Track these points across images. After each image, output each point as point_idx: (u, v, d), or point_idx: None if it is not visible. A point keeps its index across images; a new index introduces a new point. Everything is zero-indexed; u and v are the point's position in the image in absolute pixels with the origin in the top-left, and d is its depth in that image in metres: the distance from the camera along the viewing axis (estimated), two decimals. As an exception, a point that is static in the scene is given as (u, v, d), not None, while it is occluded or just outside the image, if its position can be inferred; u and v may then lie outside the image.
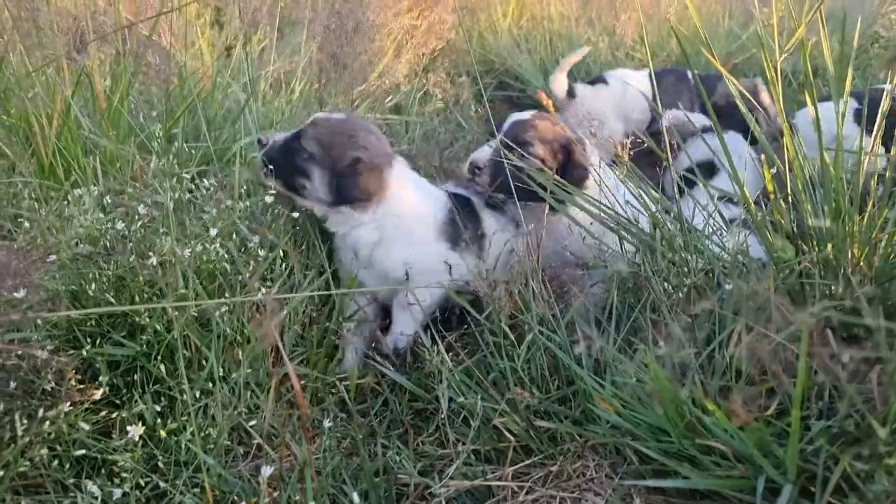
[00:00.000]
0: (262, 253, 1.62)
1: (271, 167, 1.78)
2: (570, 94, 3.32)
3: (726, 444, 1.11)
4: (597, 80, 3.47)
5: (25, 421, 1.21)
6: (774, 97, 1.51)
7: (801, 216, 1.50)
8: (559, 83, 3.27)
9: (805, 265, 1.48)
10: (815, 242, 1.49)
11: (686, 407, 1.19)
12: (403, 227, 1.81)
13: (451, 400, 1.47)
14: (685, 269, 1.53)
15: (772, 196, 1.49)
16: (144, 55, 2.46)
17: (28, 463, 1.24)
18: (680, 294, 1.50)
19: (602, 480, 1.33)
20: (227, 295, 1.61)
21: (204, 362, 1.50)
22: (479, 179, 1.96)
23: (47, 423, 1.23)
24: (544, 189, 1.68)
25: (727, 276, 1.50)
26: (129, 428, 1.30)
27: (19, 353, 1.36)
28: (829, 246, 1.48)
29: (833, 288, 1.47)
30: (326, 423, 1.48)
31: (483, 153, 1.98)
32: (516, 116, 2.08)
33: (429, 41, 3.91)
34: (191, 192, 1.73)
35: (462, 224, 1.81)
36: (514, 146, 1.90)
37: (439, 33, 4.07)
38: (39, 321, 1.37)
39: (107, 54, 2.68)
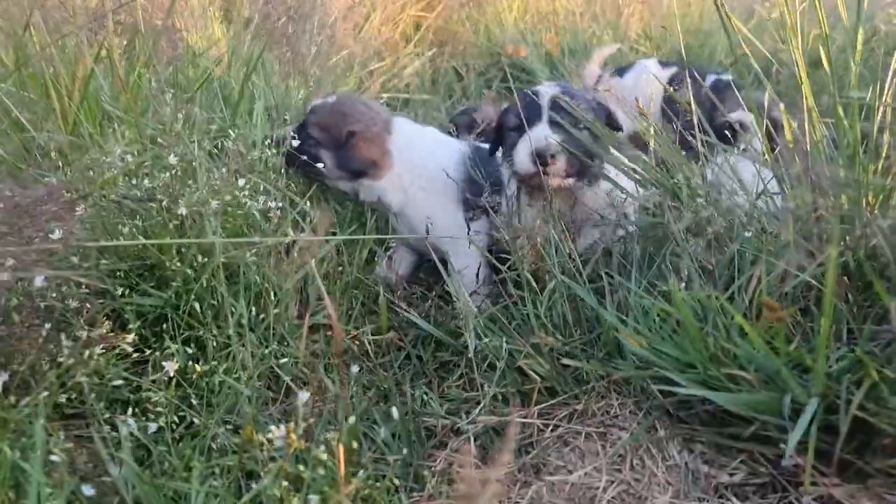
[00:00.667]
0: (279, 204, 1.65)
1: (292, 162, 1.90)
2: (596, 84, 3.28)
3: (754, 365, 1.14)
4: (622, 70, 3.38)
5: (69, 343, 1.23)
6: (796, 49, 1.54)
7: (818, 165, 1.54)
8: (590, 74, 3.27)
9: (821, 213, 1.51)
10: (830, 192, 1.53)
11: (711, 337, 1.22)
12: (421, 183, 1.86)
13: (475, 344, 1.50)
14: (707, 218, 1.56)
15: (790, 145, 1.53)
16: (159, 39, 2.50)
17: (65, 394, 1.27)
18: (701, 242, 1.53)
19: (626, 416, 1.36)
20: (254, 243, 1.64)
21: (232, 310, 1.52)
22: (554, 169, 1.66)
23: (87, 352, 1.25)
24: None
25: (746, 225, 1.53)
26: (164, 363, 1.33)
27: (53, 294, 1.39)
28: (843, 196, 1.52)
29: (848, 237, 1.51)
30: (354, 369, 1.50)
31: (546, 138, 1.66)
32: (546, 89, 1.77)
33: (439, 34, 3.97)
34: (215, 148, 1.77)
35: (484, 182, 1.83)
36: (570, 120, 1.69)
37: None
38: (76, 259, 1.40)
39: (122, 40, 2.73)
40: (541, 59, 4.28)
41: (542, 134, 1.67)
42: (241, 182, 1.53)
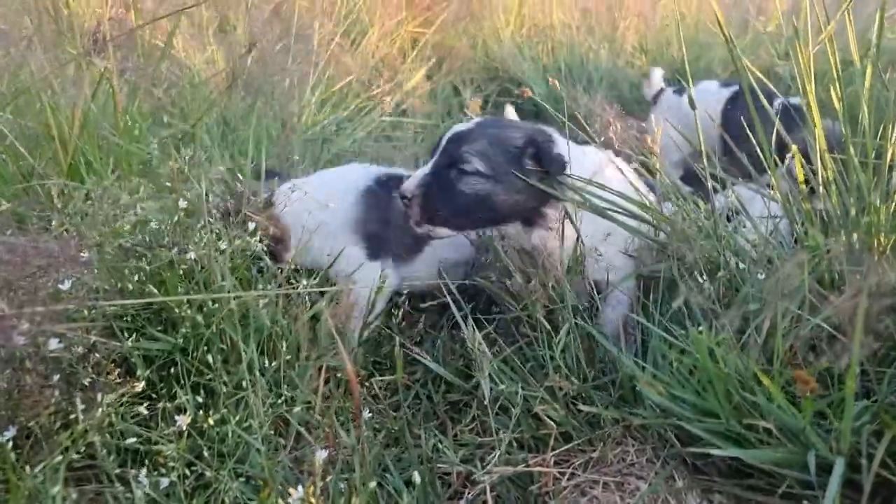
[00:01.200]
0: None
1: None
2: (655, 98, 3.10)
3: (777, 421, 1.14)
4: (682, 90, 3.08)
5: (83, 406, 1.21)
6: (810, 94, 1.54)
7: (830, 206, 1.54)
8: (651, 84, 3.13)
9: (833, 253, 1.51)
10: (843, 231, 1.53)
11: (733, 386, 1.22)
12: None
13: (490, 389, 1.49)
14: (717, 261, 1.56)
15: (802, 186, 1.53)
16: (158, 64, 2.48)
17: (78, 453, 1.25)
18: (713, 286, 1.53)
19: (643, 465, 1.35)
20: (261, 288, 1.62)
21: (243, 354, 1.50)
22: (410, 212, 1.58)
23: (100, 410, 1.23)
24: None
25: (757, 266, 1.53)
26: (177, 417, 1.31)
27: (62, 345, 1.37)
28: (855, 235, 1.52)
29: (860, 276, 1.51)
30: (366, 413, 1.49)
31: (411, 180, 1.59)
32: (454, 129, 1.65)
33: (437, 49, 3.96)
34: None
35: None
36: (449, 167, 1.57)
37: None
38: (86, 311, 1.38)
39: (118, 62, 2.71)
40: (537, 73, 4.28)
41: (415, 175, 1.60)
42: (251, 226, 1.52)
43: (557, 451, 1.40)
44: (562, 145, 1.61)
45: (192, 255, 1.48)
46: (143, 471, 1.27)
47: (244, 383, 1.42)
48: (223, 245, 1.53)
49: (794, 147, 1.59)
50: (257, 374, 1.47)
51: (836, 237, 1.55)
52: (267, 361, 1.52)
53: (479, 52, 4.49)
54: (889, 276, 1.36)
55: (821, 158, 1.53)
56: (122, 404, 1.42)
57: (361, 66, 3.65)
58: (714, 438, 1.24)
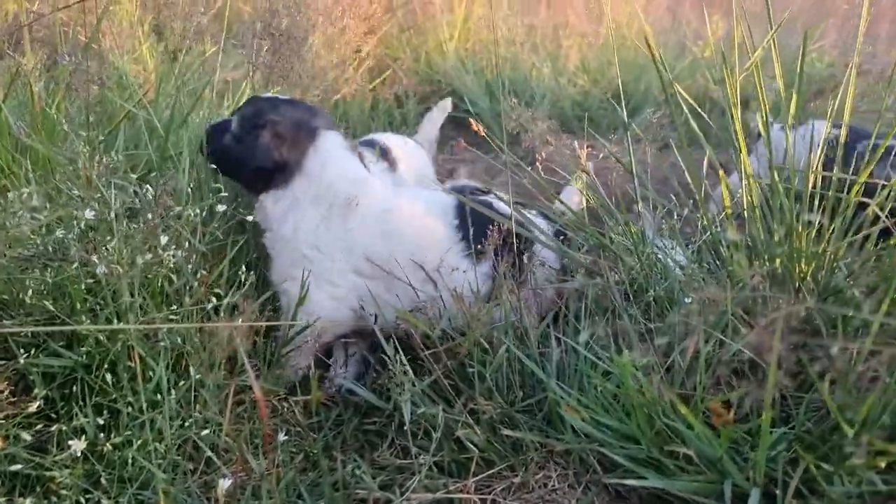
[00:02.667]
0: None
1: None
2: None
3: (696, 450, 1.12)
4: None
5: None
6: (735, 119, 1.55)
7: (754, 233, 1.56)
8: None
9: (757, 279, 1.53)
10: (766, 258, 1.55)
11: (655, 412, 1.20)
12: None
13: (411, 413, 1.44)
14: (645, 283, 1.56)
15: (727, 213, 1.54)
16: (83, 60, 2.35)
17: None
18: (640, 306, 1.52)
19: (565, 490, 1.32)
20: (173, 305, 1.53)
21: (151, 373, 1.41)
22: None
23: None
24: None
25: (684, 290, 1.53)
26: (70, 442, 1.21)
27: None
28: (778, 261, 1.54)
29: (782, 300, 1.53)
30: (281, 437, 1.42)
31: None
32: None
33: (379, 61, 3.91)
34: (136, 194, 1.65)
35: None
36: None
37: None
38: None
39: (41, 58, 2.56)
40: (481, 88, 4.28)
41: None
42: (164, 239, 1.43)
43: (479, 477, 1.36)
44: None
45: (101, 268, 1.37)
46: (28, 500, 1.17)
47: (145, 405, 1.32)
48: (137, 259, 1.43)
49: (721, 173, 1.60)
50: (165, 394, 1.38)
51: (760, 262, 1.57)
52: (177, 381, 1.43)
53: (423, 64, 4.46)
54: (808, 303, 1.38)
55: (746, 184, 1.55)
56: (14, 425, 1.31)
57: (300, 74, 3.56)
58: (635, 465, 1.22)
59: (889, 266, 1.34)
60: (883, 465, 1.00)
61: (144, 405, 1.35)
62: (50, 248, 1.44)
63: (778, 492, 1.08)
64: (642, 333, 1.47)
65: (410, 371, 1.42)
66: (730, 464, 1.10)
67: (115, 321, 1.41)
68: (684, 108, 1.79)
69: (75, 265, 1.40)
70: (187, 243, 1.50)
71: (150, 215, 1.44)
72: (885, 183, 1.46)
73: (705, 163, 1.88)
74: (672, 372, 1.41)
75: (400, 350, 1.44)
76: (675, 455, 1.20)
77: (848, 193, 1.49)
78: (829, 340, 1.28)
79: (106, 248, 1.38)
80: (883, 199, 1.48)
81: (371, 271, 1.67)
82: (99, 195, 1.44)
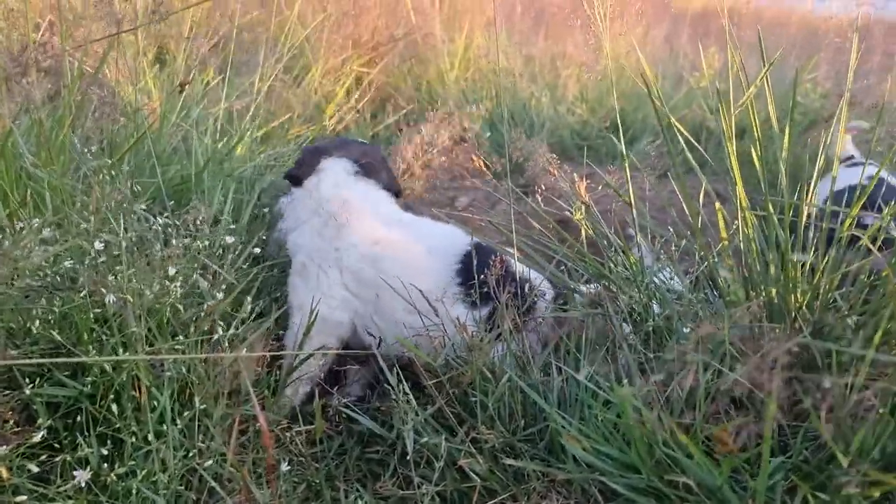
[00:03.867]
0: (219, 295, 1.56)
1: None
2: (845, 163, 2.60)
3: (695, 478, 1.14)
4: (857, 163, 2.63)
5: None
6: (730, 151, 1.59)
7: (749, 263, 1.58)
8: (844, 147, 2.72)
9: (754, 310, 1.55)
10: (762, 288, 1.57)
11: (655, 442, 1.22)
12: None
13: (414, 442, 1.45)
14: (644, 313, 1.58)
15: (724, 244, 1.57)
16: (89, 91, 2.40)
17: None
18: (640, 336, 1.54)
19: (567, 520, 1.33)
20: (179, 336, 1.55)
21: (155, 403, 1.43)
22: None
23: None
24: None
25: (683, 320, 1.55)
26: (74, 472, 1.22)
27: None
28: (774, 291, 1.56)
29: (779, 331, 1.55)
30: (284, 467, 1.43)
31: None
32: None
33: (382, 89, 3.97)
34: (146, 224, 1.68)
35: None
36: None
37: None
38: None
39: (46, 89, 2.61)
40: (480, 117, 4.34)
41: None
42: (172, 270, 1.45)
43: (481, 507, 1.37)
44: None
45: (110, 297, 1.39)
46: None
47: (151, 435, 1.33)
48: (147, 292, 1.46)
49: (717, 205, 1.63)
50: (169, 424, 1.40)
51: (756, 293, 1.59)
52: (181, 410, 1.45)
53: (424, 93, 4.52)
54: (803, 337, 1.40)
55: (741, 215, 1.58)
56: (18, 455, 1.32)
57: (303, 103, 3.62)
58: (636, 495, 1.23)
59: (877, 301, 1.37)
60: (877, 494, 1.01)
61: (149, 435, 1.36)
62: (58, 278, 1.46)
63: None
64: (642, 363, 1.49)
65: (413, 400, 1.43)
66: (730, 493, 1.11)
67: (122, 351, 1.42)
68: (679, 138, 1.83)
69: (83, 294, 1.41)
70: (195, 275, 1.52)
71: (157, 246, 1.47)
72: (876, 216, 1.49)
73: (702, 192, 1.91)
74: (671, 402, 1.42)
75: (402, 379, 1.46)
76: (674, 484, 1.21)
77: (841, 226, 1.52)
78: (822, 374, 1.31)
79: (115, 278, 1.40)
80: (875, 230, 1.51)
81: (359, 291, 1.74)
82: (109, 225, 1.47)
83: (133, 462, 1.35)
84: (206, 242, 1.63)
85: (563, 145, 4.32)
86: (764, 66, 1.78)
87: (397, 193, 2.02)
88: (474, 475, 1.39)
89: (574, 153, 4.27)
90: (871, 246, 1.42)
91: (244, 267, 1.82)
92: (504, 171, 3.77)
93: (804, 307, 1.53)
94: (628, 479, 1.26)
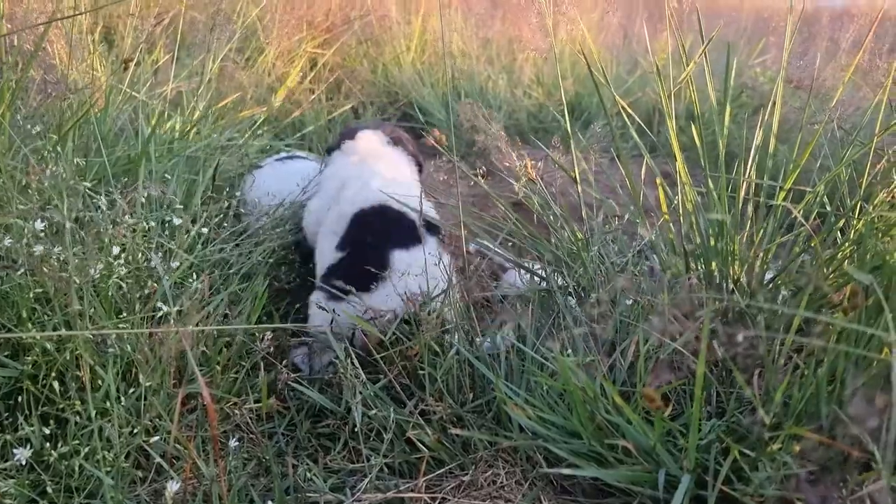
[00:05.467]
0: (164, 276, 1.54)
1: None
2: None
3: (632, 441, 1.18)
4: None
5: None
6: (671, 129, 1.63)
7: (690, 236, 1.63)
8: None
9: (693, 281, 1.60)
10: (701, 260, 1.63)
11: (596, 408, 1.26)
12: None
13: (363, 415, 1.46)
14: (589, 285, 1.61)
15: (665, 217, 1.61)
16: (28, 67, 2.32)
17: None
18: (584, 308, 1.58)
19: (512, 487, 1.36)
20: (124, 313, 1.53)
21: (100, 382, 1.41)
22: None
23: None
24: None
25: (626, 291, 1.60)
26: (15, 451, 1.20)
27: None
28: (713, 263, 1.61)
29: (717, 301, 1.60)
30: (232, 443, 1.43)
31: None
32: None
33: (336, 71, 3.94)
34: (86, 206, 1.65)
35: None
36: None
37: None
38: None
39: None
40: (437, 99, 4.34)
41: None
42: (116, 250, 1.43)
43: (429, 476, 1.40)
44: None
45: (47, 280, 1.36)
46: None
47: (94, 413, 1.32)
48: (90, 272, 1.43)
49: (658, 180, 1.68)
50: (114, 402, 1.38)
51: (696, 265, 1.64)
52: (126, 389, 1.43)
53: (380, 76, 4.50)
54: (738, 302, 1.45)
55: (682, 190, 1.62)
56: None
57: (256, 85, 3.57)
58: (577, 459, 1.27)
59: (810, 269, 1.43)
60: (797, 448, 1.07)
61: (93, 413, 1.34)
62: (-3, 258, 1.43)
63: (709, 479, 1.14)
64: (585, 333, 1.52)
65: (362, 373, 1.44)
66: (664, 453, 1.16)
67: (64, 331, 1.40)
68: (626, 120, 1.87)
69: (20, 272, 1.39)
70: (139, 253, 1.50)
71: (102, 226, 1.44)
72: (809, 189, 1.55)
73: (643, 170, 1.96)
74: (614, 370, 1.47)
75: (352, 352, 1.47)
76: (614, 448, 1.25)
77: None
78: (741, 327, 1.36)
79: (57, 258, 1.37)
80: (809, 203, 1.57)
81: None
82: (51, 204, 1.44)
83: (77, 441, 1.34)
84: (153, 223, 1.61)
85: (519, 128, 4.36)
86: (707, 49, 1.83)
87: (420, 165, 2.29)
88: (423, 446, 1.42)
89: (530, 136, 4.31)
90: (802, 220, 1.47)
91: (200, 248, 1.80)
92: (461, 153, 3.80)
93: (741, 278, 1.58)
94: (571, 445, 1.30)
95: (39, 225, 1.44)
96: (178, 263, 1.64)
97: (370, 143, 2.21)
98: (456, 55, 4.69)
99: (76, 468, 1.30)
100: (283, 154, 2.80)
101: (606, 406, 1.29)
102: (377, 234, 1.76)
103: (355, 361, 1.48)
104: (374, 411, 1.44)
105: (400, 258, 1.71)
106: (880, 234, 1.45)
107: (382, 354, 1.54)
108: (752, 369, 1.25)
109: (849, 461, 1.09)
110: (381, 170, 2.03)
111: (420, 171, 2.28)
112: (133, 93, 2.60)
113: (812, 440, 1.00)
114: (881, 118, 1.73)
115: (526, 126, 4.39)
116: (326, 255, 1.82)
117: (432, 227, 1.81)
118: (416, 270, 1.66)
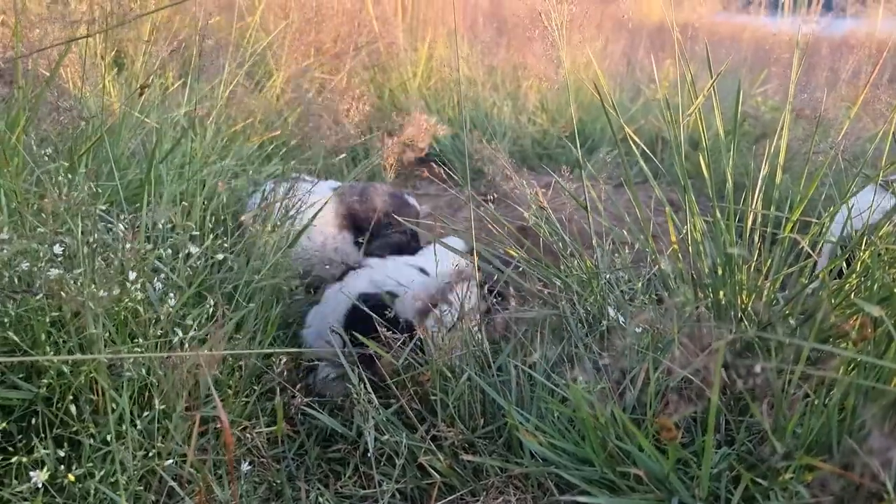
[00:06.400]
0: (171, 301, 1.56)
1: None
2: None
3: (644, 468, 1.19)
4: None
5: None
6: (678, 159, 1.66)
7: (698, 266, 1.65)
8: None
9: (701, 310, 1.62)
10: (709, 289, 1.64)
11: (608, 435, 1.26)
12: None
13: (375, 440, 1.47)
14: (599, 313, 1.63)
15: (674, 248, 1.63)
16: (44, 93, 2.36)
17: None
18: (595, 336, 1.60)
19: (524, 514, 1.37)
20: (139, 338, 1.55)
21: (114, 406, 1.42)
22: None
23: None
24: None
25: (636, 320, 1.61)
26: (31, 473, 1.21)
27: None
28: (721, 293, 1.63)
29: (725, 331, 1.62)
30: (245, 467, 1.44)
31: None
32: None
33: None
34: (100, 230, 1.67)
35: None
36: None
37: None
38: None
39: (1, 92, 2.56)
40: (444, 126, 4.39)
41: None
42: (133, 275, 1.45)
43: (441, 502, 1.40)
44: None
45: (66, 305, 1.38)
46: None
47: (110, 436, 1.33)
48: (101, 293, 1.45)
49: (667, 209, 1.70)
50: (128, 425, 1.39)
51: (704, 294, 1.66)
52: (140, 412, 1.44)
53: (387, 101, 4.56)
54: (748, 332, 1.47)
55: (690, 220, 1.65)
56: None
57: (265, 109, 3.62)
58: (589, 486, 1.28)
59: (815, 300, 1.45)
60: (810, 478, 1.08)
61: (109, 436, 1.35)
62: (16, 281, 1.45)
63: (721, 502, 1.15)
64: (596, 361, 1.54)
65: (374, 398, 1.46)
66: (676, 481, 1.16)
67: (80, 354, 1.42)
68: (633, 148, 1.90)
69: (39, 297, 1.40)
70: (155, 279, 1.52)
71: (118, 250, 1.46)
72: (815, 221, 1.57)
73: (652, 200, 1.98)
74: (624, 398, 1.48)
75: (364, 378, 1.48)
76: (626, 476, 1.26)
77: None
78: (754, 359, 1.37)
79: (74, 281, 1.39)
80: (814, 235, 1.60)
81: None
82: (67, 227, 1.46)
83: (91, 464, 1.35)
84: (168, 251, 1.63)
85: (523, 154, 4.40)
86: (713, 78, 1.87)
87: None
88: (434, 472, 1.42)
89: (535, 162, 4.35)
90: (810, 250, 1.50)
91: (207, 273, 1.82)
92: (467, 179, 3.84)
93: (749, 308, 1.60)
94: (583, 472, 1.31)
95: (57, 249, 1.46)
96: (189, 288, 1.66)
97: None
98: (462, 81, 4.75)
99: (91, 491, 1.31)
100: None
101: (618, 433, 1.30)
102: None
103: (368, 386, 1.49)
104: (385, 436, 1.45)
105: None
106: (887, 266, 1.47)
107: (395, 380, 1.55)
108: (762, 399, 1.26)
109: (860, 491, 1.10)
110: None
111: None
112: (145, 119, 2.64)
113: (824, 470, 1.02)
114: (888, 149, 1.75)
115: (531, 152, 4.44)
116: None
117: None
118: None
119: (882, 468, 0.94)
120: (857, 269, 1.55)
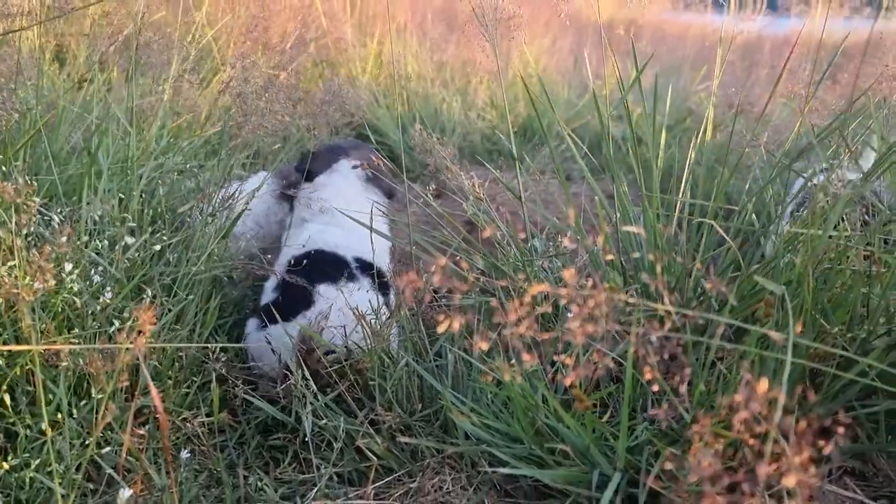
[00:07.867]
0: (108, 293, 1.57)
1: None
2: None
3: (570, 444, 1.25)
4: None
5: None
6: (608, 150, 1.73)
7: (628, 250, 1.73)
8: None
9: (631, 293, 1.69)
10: (637, 273, 1.72)
11: (537, 414, 1.32)
12: None
13: (313, 425, 1.50)
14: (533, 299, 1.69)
15: (603, 233, 1.70)
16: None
17: None
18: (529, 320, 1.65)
19: (458, 492, 1.42)
20: (76, 329, 1.55)
21: (51, 396, 1.42)
22: None
23: None
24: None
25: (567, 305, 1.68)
26: (-37, 464, 1.21)
27: None
28: (645, 275, 1.71)
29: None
30: (184, 454, 1.45)
31: None
32: None
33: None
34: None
35: None
36: None
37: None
38: None
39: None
40: (392, 120, 4.42)
41: None
42: (69, 266, 1.45)
43: (378, 484, 1.44)
44: None
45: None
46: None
47: (45, 425, 1.33)
48: (36, 284, 1.45)
49: (597, 198, 1.77)
50: (65, 415, 1.40)
51: (633, 279, 1.74)
52: (77, 402, 1.45)
53: (335, 97, 4.56)
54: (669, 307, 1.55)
55: (619, 208, 1.72)
56: None
57: (211, 104, 3.59)
58: (519, 462, 1.34)
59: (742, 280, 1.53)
60: (719, 447, 1.15)
61: (44, 426, 1.35)
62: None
63: (640, 477, 1.22)
64: (530, 345, 1.60)
65: (313, 384, 1.49)
66: (598, 454, 1.23)
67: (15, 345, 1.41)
68: (570, 143, 1.97)
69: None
70: (92, 271, 1.52)
71: (56, 243, 1.46)
72: (734, 208, 1.66)
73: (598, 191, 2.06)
74: (556, 381, 1.54)
75: (303, 364, 1.51)
76: (553, 451, 1.32)
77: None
78: (649, 329, 1.45)
79: (9, 274, 1.38)
80: (739, 220, 1.69)
81: None
82: (1, 221, 1.45)
83: (27, 454, 1.35)
84: (105, 242, 1.63)
85: (473, 150, 4.46)
86: (658, 76, 1.95)
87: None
88: (372, 455, 1.46)
89: (485, 158, 4.42)
90: (725, 235, 1.58)
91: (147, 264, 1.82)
92: (415, 175, 3.88)
93: (675, 292, 1.69)
94: (513, 449, 1.37)
95: (-9, 240, 1.45)
96: (127, 279, 1.66)
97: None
98: (411, 77, 4.79)
99: (27, 480, 1.31)
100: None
101: (547, 412, 1.36)
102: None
103: (306, 373, 1.52)
104: (324, 421, 1.48)
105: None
106: (796, 250, 1.56)
107: (335, 367, 1.58)
108: (680, 374, 1.33)
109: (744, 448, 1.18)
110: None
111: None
112: (85, 113, 2.61)
113: (723, 434, 1.09)
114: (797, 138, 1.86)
115: (480, 148, 4.50)
116: None
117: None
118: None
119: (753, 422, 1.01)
120: (777, 253, 1.65)
